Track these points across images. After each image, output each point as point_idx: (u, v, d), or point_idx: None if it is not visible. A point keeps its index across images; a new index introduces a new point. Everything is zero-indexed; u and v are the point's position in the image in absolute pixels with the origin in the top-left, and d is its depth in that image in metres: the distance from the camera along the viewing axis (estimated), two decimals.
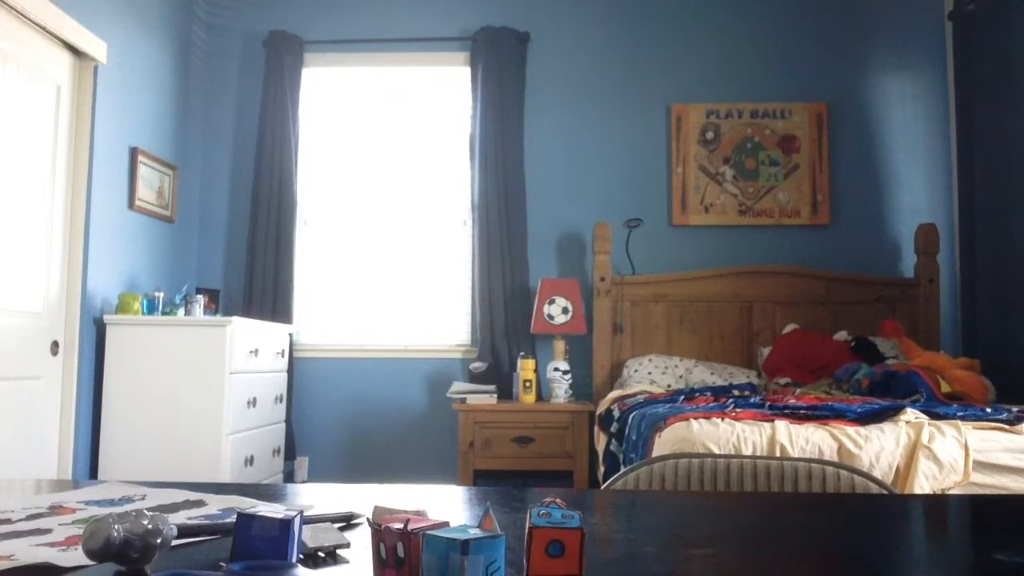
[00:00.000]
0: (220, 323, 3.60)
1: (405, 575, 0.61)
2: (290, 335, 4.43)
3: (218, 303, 4.36)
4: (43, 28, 3.29)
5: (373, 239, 4.67)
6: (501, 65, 4.53)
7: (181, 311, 3.79)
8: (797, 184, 4.55)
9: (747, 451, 2.36)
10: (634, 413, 2.96)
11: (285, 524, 0.68)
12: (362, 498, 1.06)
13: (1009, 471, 2.33)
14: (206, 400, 3.53)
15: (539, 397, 4.21)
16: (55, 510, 0.95)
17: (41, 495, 1.07)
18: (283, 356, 4.24)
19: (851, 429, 2.41)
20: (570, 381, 4.21)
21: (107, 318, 3.61)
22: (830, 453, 2.34)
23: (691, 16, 4.69)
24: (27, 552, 0.75)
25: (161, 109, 4.25)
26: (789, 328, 4.22)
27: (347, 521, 0.91)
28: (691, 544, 0.88)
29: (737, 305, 4.42)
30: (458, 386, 4.16)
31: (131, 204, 3.93)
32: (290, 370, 4.39)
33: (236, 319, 3.63)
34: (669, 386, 3.93)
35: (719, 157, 4.59)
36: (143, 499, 1.02)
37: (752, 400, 3.01)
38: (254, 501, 1.01)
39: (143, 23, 4.05)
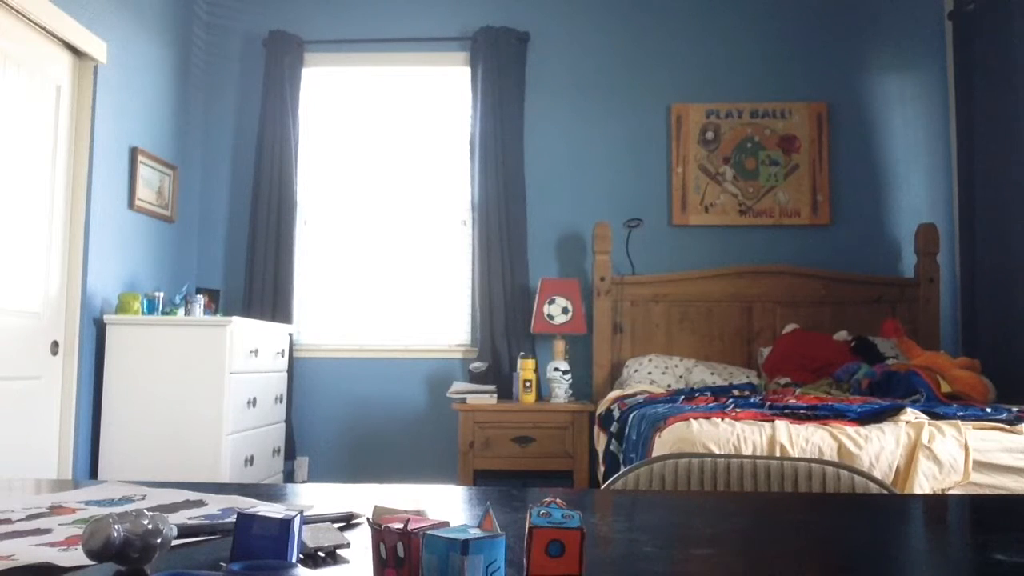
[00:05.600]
0: (220, 323, 3.60)
1: (405, 575, 0.61)
2: (290, 335, 4.43)
3: (218, 303, 4.36)
4: (43, 28, 3.29)
5: (373, 239, 4.67)
6: (501, 65, 4.53)
7: (181, 311, 3.79)
8: (797, 184, 4.55)
9: (747, 451, 2.36)
10: (634, 413, 2.96)
11: (285, 524, 0.68)
12: (362, 498, 1.06)
13: (1009, 471, 2.33)
14: (206, 400, 3.53)
15: (539, 397, 4.21)
16: (55, 510, 0.95)
17: (41, 495, 1.07)
18: (283, 356, 4.24)
19: (851, 429, 2.41)
20: (570, 381, 4.21)
21: (107, 318, 3.61)
22: (830, 453, 2.34)
23: (691, 16, 4.69)
24: (27, 552, 0.75)
25: (161, 109, 4.25)
26: (789, 328, 4.22)
27: (347, 521, 0.91)
28: (691, 544, 0.88)
29: (737, 305, 4.42)
30: (458, 386, 4.16)
31: (131, 204, 3.93)
32: (290, 370, 4.39)
33: (236, 319, 3.63)
34: (669, 386, 3.93)
35: (719, 157, 4.58)
36: (143, 499, 1.02)
37: (752, 400, 3.01)
38: (254, 501, 1.01)
39: (143, 23, 4.05)
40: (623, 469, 1.35)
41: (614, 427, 3.19)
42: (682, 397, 3.20)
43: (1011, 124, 3.95)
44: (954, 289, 4.49)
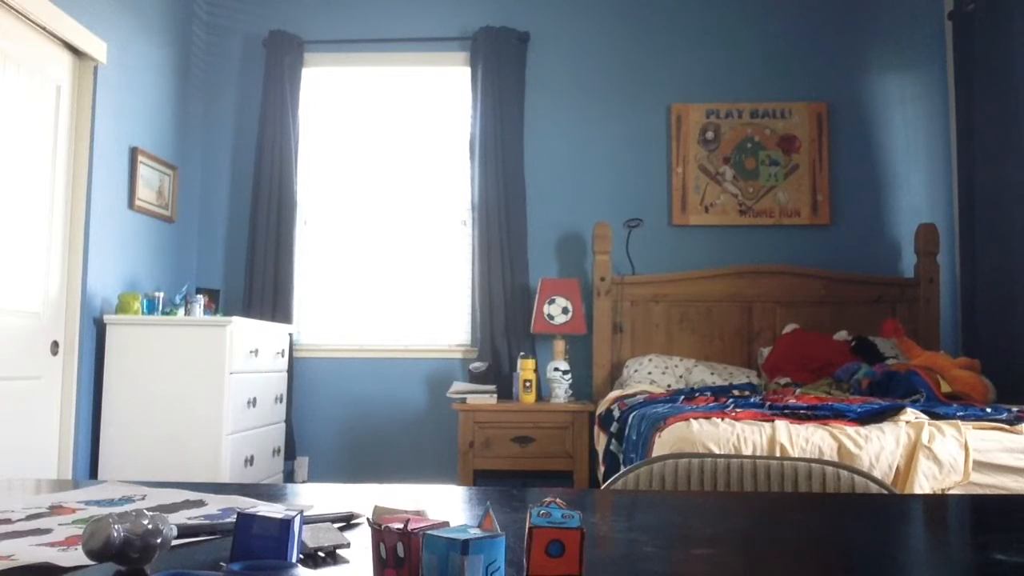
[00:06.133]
0: (220, 323, 3.60)
1: (405, 575, 0.61)
2: (290, 335, 4.42)
3: (218, 303, 4.36)
4: (43, 28, 3.29)
5: (373, 239, 4.67)
6: (501, 65, 4.53)
7: (181, 311, 3.79)
8: (797, 184, 4.55)
9: (747, 451, 2.36)
10: (634, 413, 2.96)
11: (285, 524, 0.68)
12: (362, 498, 1.06)
13: (1009, 471, 2.33)
14: (206, 400, 3.53)
15: (539, 397, 4.21)
16: (55, 510, 0.95)
17: (41, 495, 1.07)
18: (283, 356, 4.24)
19: (851, 429, 2.41)
20: (570, 381, 4.21)
21: (107, 318, 3.61)
22: (830, 453, 2.34)
23: (691, 16, 4.69)
24: (27, 552, 0.75)
25: (161, 109, 4.25)
26: (789, 328, 4.22)
27: (347, 521, 0.91)
28: (691, 544, 0.88)
29: (737, 305, 4.42)
30: (458, 386, 4.16)
31: (131, 204, 3.93)
32: (290, 370, 4.39)
33: (236, 319, 3.63)
34: (669, 386, 3.93)
35: (719, 157, 4.58)
36: (143, 499, 1.02)
37: (752, 400, 3.01)
38: (254, 501, 1.01)
39: (143, 23, 4.05)
40: (623, 469, 1.35)
41: (614, 427, 3.19)
42: (682, 397, 3.20)
43: (1011, 124, 3.95)
44: (954, 289, 4.49)
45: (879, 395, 3.33)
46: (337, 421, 4.53)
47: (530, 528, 0.62)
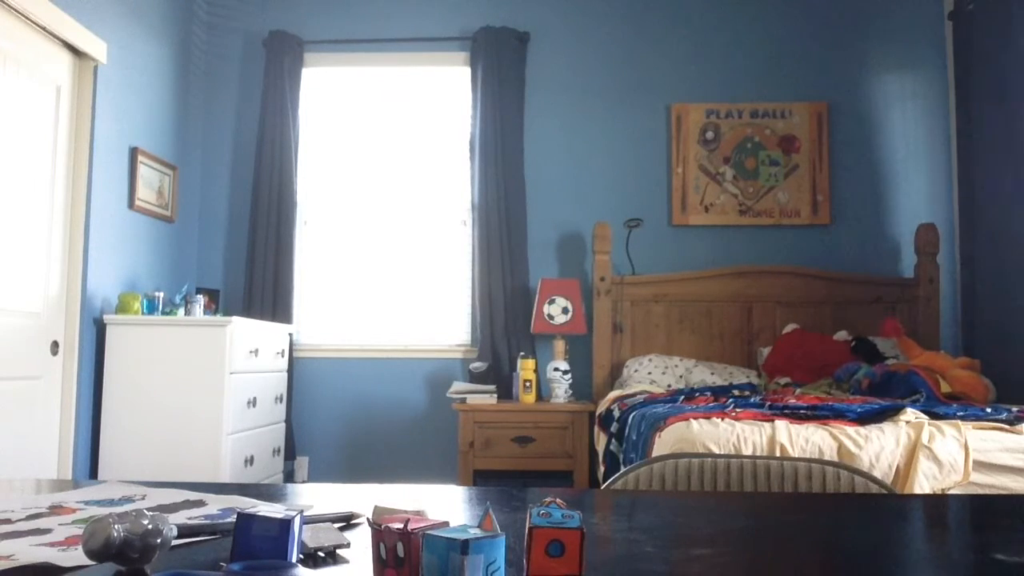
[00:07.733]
0: (220, 323, 3.60)
1: (405, 575, 0.61)
2: (290, 335, 4.42)
3: (218, 303, 4.36)
4: (43, 28, 3.29)
5: (373, 239, 4.67)
6: (501, 65, 4.53)
7: (181, 311, 3.79)
8: (797, 184, 4.55)
9: (747, 451, 2.36)
10: (634, 413, 2.96)
11: (285, 524, 0.68)
12: (362, 498, 1.06)
13: (1009, 471, 2.33)
14: (206, 400, 3.53)
15: (539, 397, 4.21)
16: (55, 510, 0.95)
17: (41, 495, 1.07)
18: (283, 356, 4.24)
19: (851, 429, 2.41)
20: (570, 381, 4.20)
21: (107, 318, 3.61)
22: (830, 453, 2.34)
23: (691, 16, 4.69)
24: (27, 552, 0.75)
25: (161, 109, 4.25)
26: (789, 328, 4.22)
27: (347, 521, 0.91)
28: (691, 544, 0.88)
29: (737, 305, 4.42)
30: (458, 386, 4.16)
31: (131, 204, 3.93)
32: (290, 370, 4.39)
33: (236, 319, 3.63)
34: (669, 386, 3.93)
35: (719, 157, 4.58)
36: (143, 499, 1.02)
37: (752, 400, 3.01)
38: (254, 501, 1.01)
39: (143, 23, 4.05)
40: (623, 469, 1.35)
41: (614, 427, 3.19)
42: (682, 397, 3.20)
43: (1011, 124, 3.95)
44: (954, 289, 4.49)
45: (879, 395, 3.33)
46: (337, 421, 4.53)
47: (530, 528, 0.62)
